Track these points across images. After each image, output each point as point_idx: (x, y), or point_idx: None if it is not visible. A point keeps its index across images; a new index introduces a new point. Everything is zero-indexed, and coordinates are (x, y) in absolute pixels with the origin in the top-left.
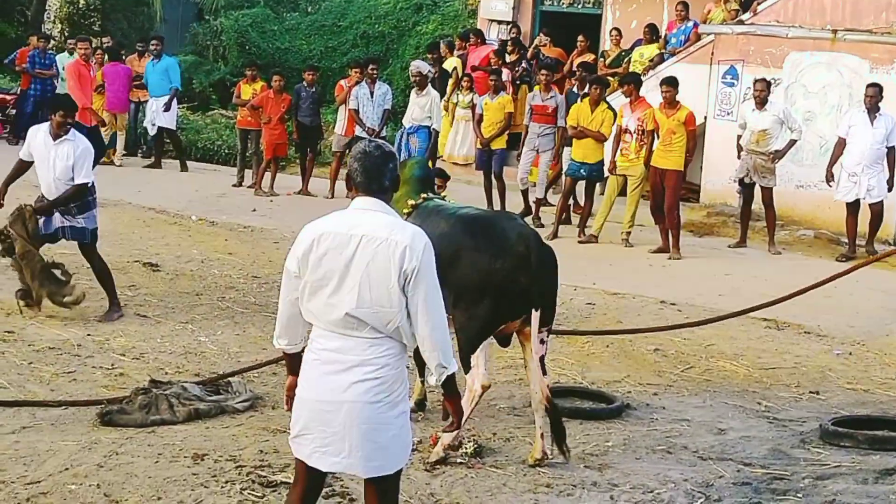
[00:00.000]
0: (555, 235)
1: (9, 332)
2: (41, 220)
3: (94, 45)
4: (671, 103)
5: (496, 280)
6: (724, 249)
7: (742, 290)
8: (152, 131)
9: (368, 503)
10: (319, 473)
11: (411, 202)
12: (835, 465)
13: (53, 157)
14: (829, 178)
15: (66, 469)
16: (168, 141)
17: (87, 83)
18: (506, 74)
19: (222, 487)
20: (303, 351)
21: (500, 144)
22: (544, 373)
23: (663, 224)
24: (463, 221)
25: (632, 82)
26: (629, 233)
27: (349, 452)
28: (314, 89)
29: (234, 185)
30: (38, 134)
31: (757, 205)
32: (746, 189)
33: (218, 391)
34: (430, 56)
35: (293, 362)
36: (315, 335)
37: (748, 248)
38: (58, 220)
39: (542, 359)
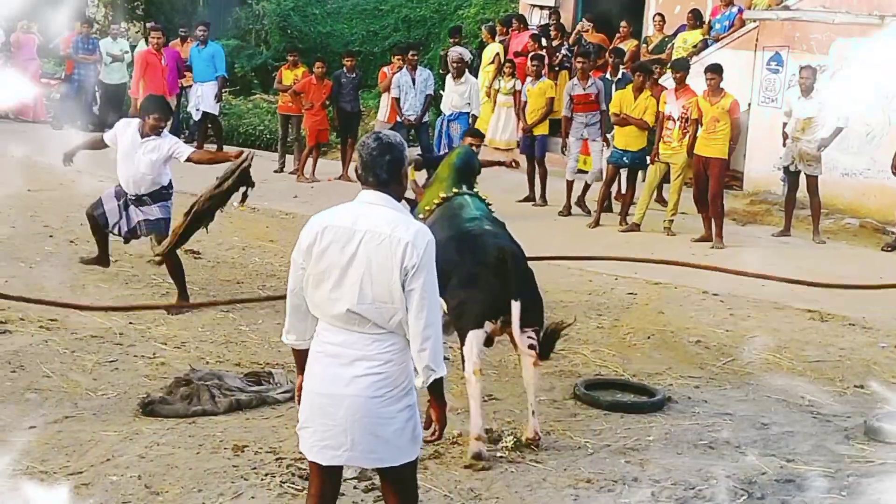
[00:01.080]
0: (597, 223)
1: (52, 319)
2: (123, 217)
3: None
4: (715, 91)
5: (473, 287)
6: (768, 238)
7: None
8: (196, 116)
9: (385, 496)
10: (332, 470)
11: (442, 195)
12: (880, 463)
13: (139, 156)
14: (894, 168)
15: (108, 459)
16: (210, 126)
17: (158, 72)
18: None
19: (262, 480)
20: (307, 351)
21: (542, 130)
22: (545, 357)
23: (706, 213)
24: (458, 238)
25: (682, 69)
26: (672, 221)
27: (351, 446)
28: (354, 75)
29: (275, 171)
30: (129, 129)
31: (801, 193)
32: (791, 177)
33: (259, 382)
34: (451, 41)
35: (301, 359)
36: (320, 328)
37: (792, 238)
38: (135, 214)
39: (533, 347)
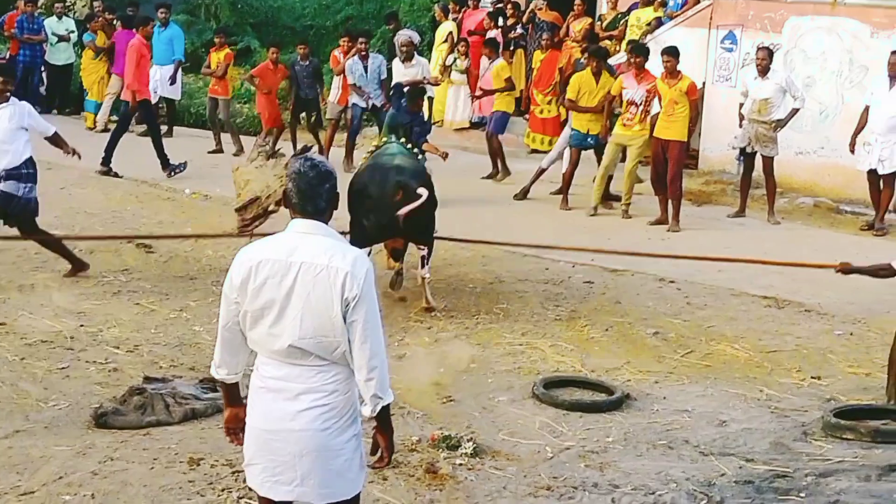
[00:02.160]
0: (566, 204)
1: (1, 323)
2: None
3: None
4: (672, 73)
5: (370, 210)
6: (723, 220)
7: (741, 265)
8: (154, 99)
9: None
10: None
11: (374, 143)
12: (837, 461)
13: None
14: (852, 147)
15: (60, 478)
16: (162, 107)
17: (147, 63)
18: (497, 35)
19: (218, 496)
20: (237, 385)
21: (500, 106)
22: (424, 265)
23: (663, 195)
24: (371, 167)
25: (642, 54)
26: (629, 204)
27: (301, 481)
28: (308, 62)
29: (209, 152)
30: None
31: (757, 173)
32: (747, 158)
33: (214, 388)
34: (388, 27)
35: (231, 393)
36: (260, 362)
37: (747, 218)
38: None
39: (425, 260)
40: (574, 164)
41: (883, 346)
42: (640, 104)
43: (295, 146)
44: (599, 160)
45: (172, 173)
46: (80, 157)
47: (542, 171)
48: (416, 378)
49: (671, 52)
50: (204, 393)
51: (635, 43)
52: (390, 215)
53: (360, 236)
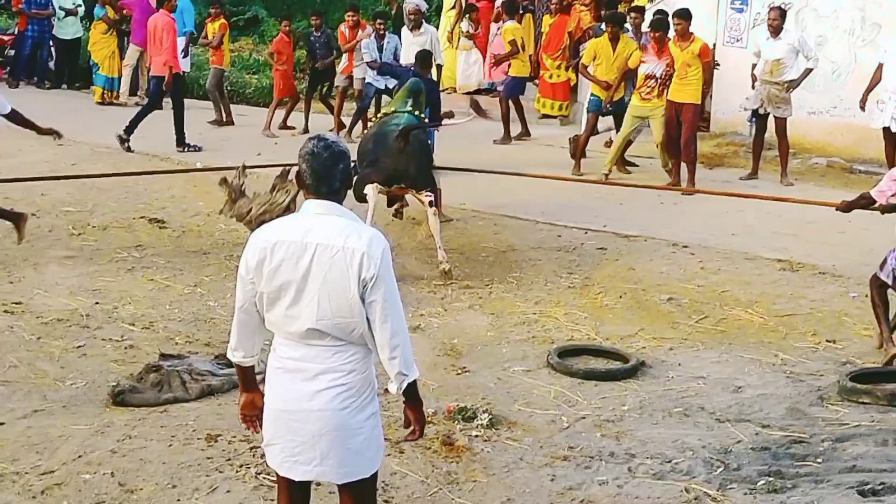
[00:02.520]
0: (578, 169)
1: (17, 302)
2: None
3: None
4: (684, 35)
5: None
6: (736, 182)
7: (755, 229)
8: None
9: None
10: (303, 484)
11: (385, 109)
12: (854, 426)
13: None
14: (863, 104)
15: (80, 457)
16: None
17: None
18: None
19: (237, 472)
20: (253, 368)
21: (513, 71)
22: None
23: (676, 158)
24: (375, 135)
25: (663, 28)
26: (669, 172)
27: (321, 460)
28: (321, 33)
29: (210, 122)
30: None
31: (770, 135)
32: (760, 119)
33: (230, 364)
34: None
35: (247, 377)
36: (277, 343)
37: (760, 180)
38: None
39: (431, 203)
40: (590, 129)
41: None
42: (660, 78)
43: (307, 118)
44: (617, 125)
45: (186, 150)
46: (59, 137)
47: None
48: (431, 349)
49: (682, 15)
50: (220, 369)
51: (656, 18)
52: (394, 164)
53: (360, 185)
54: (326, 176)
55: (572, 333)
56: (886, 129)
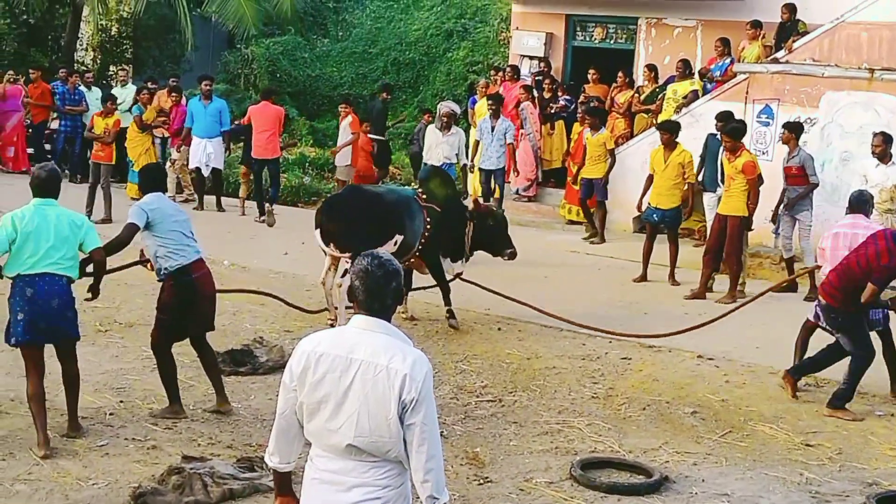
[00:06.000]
0: (644, 278)
1: None
2: None
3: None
4: (732, 150)
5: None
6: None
7: (780, 343)
8: (206, 172)
9: None
10: None
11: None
12: None
13: None
14: None
15: None
16: (213, 179)
17: None
18: (529, 106)
19: None
20: (289, 474)
21: (598, 173)
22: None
23: (709, 269)
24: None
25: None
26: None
27: None
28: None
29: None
30: None
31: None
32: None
33: (252, 468)
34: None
35: (283, 482)
36: (314, 454)
37: (790, 294)
38: None
39: (345, 272)
40: (649, 237)
41: None
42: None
43: None
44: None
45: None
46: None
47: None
48: (452, 458)
49: (730, 133)
50: (241, 472)
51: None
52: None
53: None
54: (379, 294)
55: (595, 445)
56: None
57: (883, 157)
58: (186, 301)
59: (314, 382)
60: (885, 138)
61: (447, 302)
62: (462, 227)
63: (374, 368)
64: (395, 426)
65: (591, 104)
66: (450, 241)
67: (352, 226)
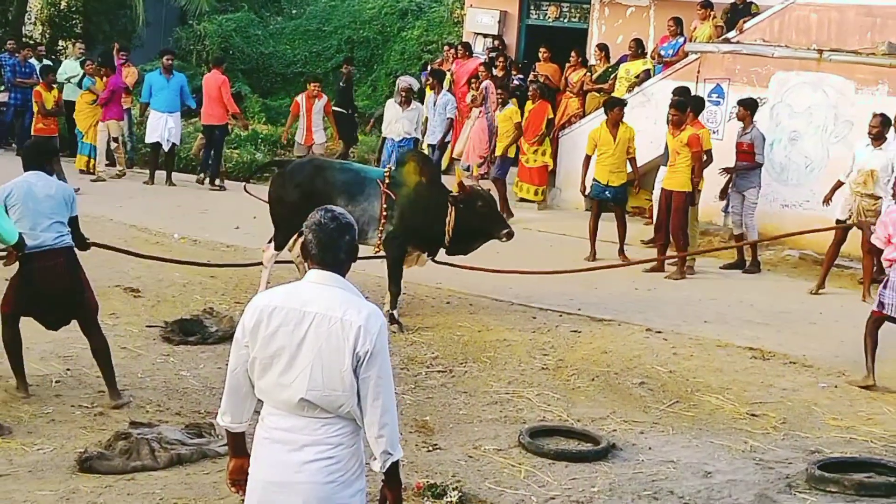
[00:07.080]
0: (593, 256)
1: None
2: None
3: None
4: (676, 125)
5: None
6: (714, 271)
7: (727, 317)
8: (166, 147)
9: None
10: None
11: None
12: None
13: None
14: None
15: None
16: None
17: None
18: (490, 86)
19: None
20: (243, 434)
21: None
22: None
23: (662, 244)
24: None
25: (680, 109)
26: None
27: None
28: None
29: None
30: None
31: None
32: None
33: (200, 434)
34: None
35: (237, 442)
36: (266, 413)
37: (734, 270)
38: None
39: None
40: (594, 215)
41: (867, 399)
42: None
43: None
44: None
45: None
46: None
47: None
48: (402, 425)
49: (675, 105)
50: (189, 438)
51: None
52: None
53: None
54: (332, 248)
55: (544, 414)
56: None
57: (877, 138)
58: (29, 289)
59: (267, 336)
60: (884, 120)
61: (392, 305)
62: (439, 217)
63: (329, 321)
64: (349, 379)
65: (541, 81)
66: (423, 234)
67: (289, 192)
